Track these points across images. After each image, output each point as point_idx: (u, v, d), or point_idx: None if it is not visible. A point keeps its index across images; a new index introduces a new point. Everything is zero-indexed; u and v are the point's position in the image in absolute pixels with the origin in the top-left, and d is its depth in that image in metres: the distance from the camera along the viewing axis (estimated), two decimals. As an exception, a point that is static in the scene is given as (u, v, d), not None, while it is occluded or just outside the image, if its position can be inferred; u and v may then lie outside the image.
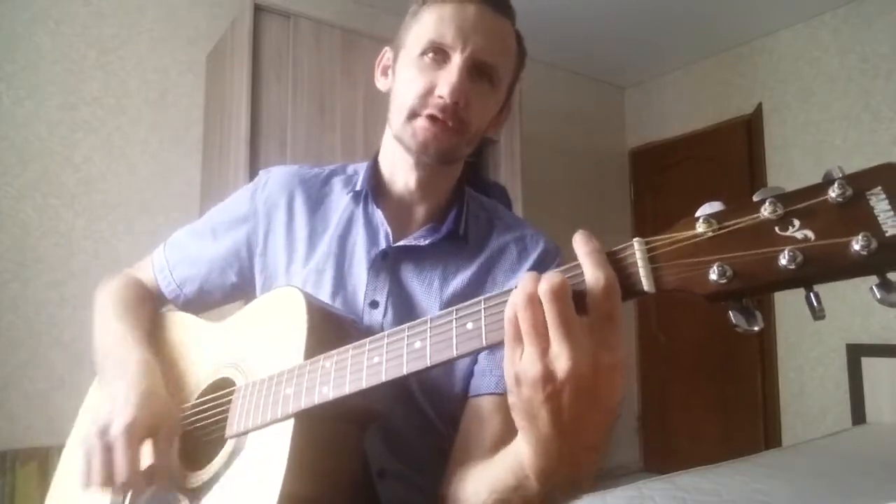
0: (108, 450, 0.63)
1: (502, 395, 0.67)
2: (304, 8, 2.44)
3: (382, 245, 0.78)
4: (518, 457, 0.52)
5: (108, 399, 0.67)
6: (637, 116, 4.18)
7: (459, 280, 0.77)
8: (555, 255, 0.81)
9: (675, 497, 1.70)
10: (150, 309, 0.86)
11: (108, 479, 0.63)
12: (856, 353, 2.91)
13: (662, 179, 3.95)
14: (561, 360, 0.44)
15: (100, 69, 2.38)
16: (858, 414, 2.87)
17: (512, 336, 0.46)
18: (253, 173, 2.11)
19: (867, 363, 2.86)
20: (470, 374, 0.73)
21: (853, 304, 2.88)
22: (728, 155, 3.55)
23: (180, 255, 0.88)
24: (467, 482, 0.62)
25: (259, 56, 2.25)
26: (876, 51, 3.00)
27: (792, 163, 3.28)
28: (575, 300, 0.45)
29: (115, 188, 2.37)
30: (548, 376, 0.44)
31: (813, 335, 3.11)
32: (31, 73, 2.24)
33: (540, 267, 0.78)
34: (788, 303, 3.15)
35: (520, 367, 0.46)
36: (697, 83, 3.81)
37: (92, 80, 2.36)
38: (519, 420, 0.49)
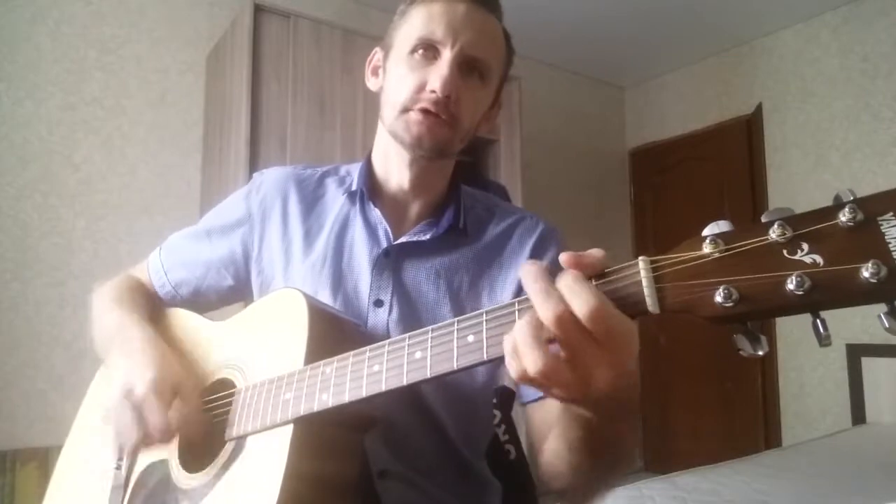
0: (137, 408, 0.64)
1: None
2: (304, 8, 2.43)
3: (383, 243, 0.78)
4: (572, 410, 0.52)
5: (123, 369, 0.68)
6: (637, 116, 4.18)
7: (465, 271, 0.78)
8: (554, 235, 0.83)
9: (675, 497, 1.70)
10: (147, 299, 0.87)
11: (143, 435, 0.64)
12: (856, 353, 2.91)
13: (662, 179, 3.94)
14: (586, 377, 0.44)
15: (100, 69, 2.38)
16: (858, 414, 2.87)
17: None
18: (253, 173, 2.11)
19: (867, 363, 2.86)
20: (487, 372, 0.75)
21: (853, 304, 2.88)
22: (728, 155, 3.55)
23: (176, 258, 0.88)
24: (548, 454, 0.64)
25: (259, 56, 2.25)
26: (876, 51, 3.00)
27: (792, 163, 3.28)
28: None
29: (115, 188, 2.37)
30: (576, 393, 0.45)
31: (813, 335, 3.10)
32: (31, 73, 2.24)
33: (542, 246, 0.80)
34: (788, 303, 3.14)
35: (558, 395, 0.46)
36: (697, 83, 3.80)
37: (92, 80, 2.36)
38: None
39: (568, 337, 0.42)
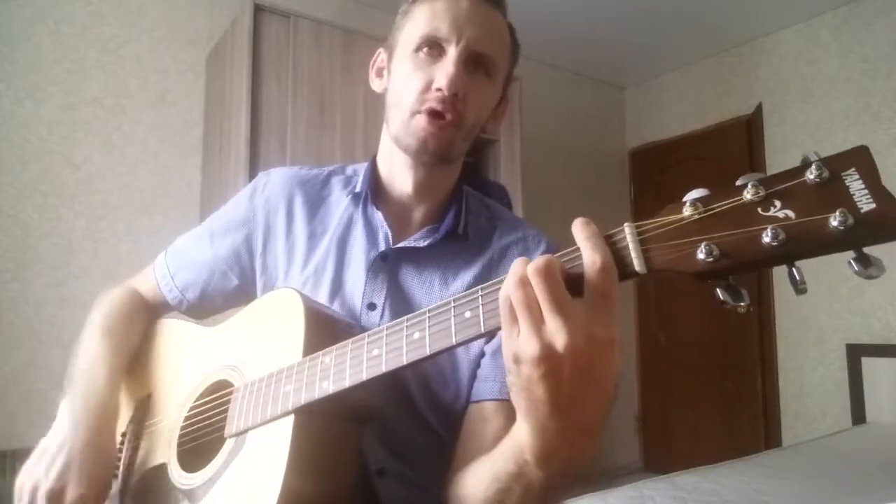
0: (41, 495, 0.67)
1: (504, 401, 0.67)
2: (304, 8, 2.43)
3: (382, 247, 0.77)
4: (518, 442, 0.53)
5: (49, 445, 0.72)
6: (637, 116, 4.18)
7: (460, 282, 0.76)
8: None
9: (675, 497, 1.70)
10: (141, 323, 0.86)
11: None
12: (856, 353, 2.91)
13: (662, 179, 3.95)
14: (557, 335, 0.45)
15: (100, 69, 2.38)
16: (858, 414, 2.87)
17: (508, 317, 0.47)
18: (253, 173, 2.11)
19: (867, 363, 2.86)
20: (471, 378, 0.73)
21: (853, 305, 2.88)
22: (728, 155, 3.55)
23: (182, 260, 0.87)
24: (468, 476, 0.62)
25: (259, 56, 2.25)
26: (876, 51, 3.00)
27: (792, 163, 3.22)
28: (573, 281, 0.46)
29: (115, 188, 2.37)
30: (545, 352, 0.45)
31: (813, 335, 3.11)
32: (31, 73, 2.24)
33: None
34: (789, 303, 3.15)
35: (517, 345, 0.46)
36: (697, 83, 3.81)
37: (92, 80, 2.36)
38: (518, 400, 0.50)
39: (595, 286, 0.46)
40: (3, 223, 2.16)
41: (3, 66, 2.20)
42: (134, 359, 0.83)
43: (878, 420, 2.79)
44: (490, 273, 0.78)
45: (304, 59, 2.34)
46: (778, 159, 3.35)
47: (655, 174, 4.00)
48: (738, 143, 3.51)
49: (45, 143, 2.25)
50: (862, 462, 2.07)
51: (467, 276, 0.77)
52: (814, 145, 3.17)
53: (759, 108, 3.42)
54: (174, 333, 0.84)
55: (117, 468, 0.74)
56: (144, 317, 0.87)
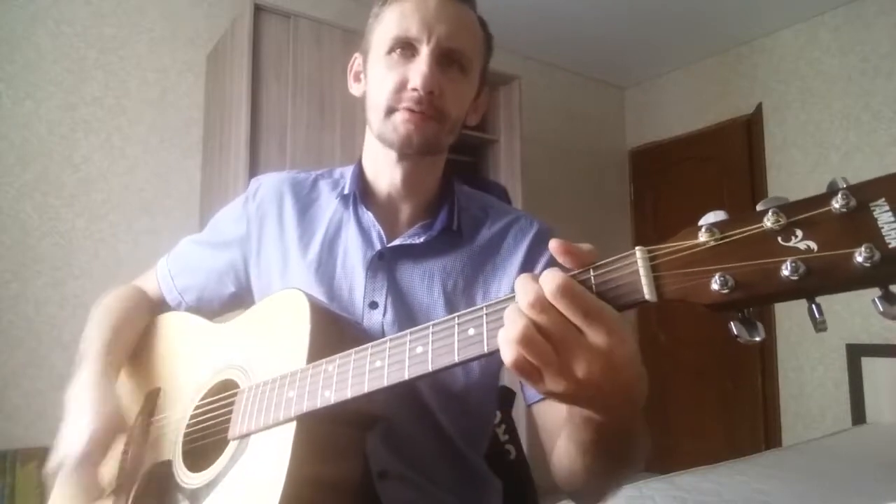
0: (71, 479, 0.69)
1: None
2: (304, 8, 2.44)
3: (377, 246, 0.78)
4: (586, 420, 0.54)
5: (66, 426, 0.75)
6: (637, 116, 4.18)
7: (459, 273, 0.78)
8: (549, 235, 0.82)
9: (675, 497, 1.70)
10: (141, 318, 0.88)
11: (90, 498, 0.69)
12: (856, 353, 2.91)
13: (662, 179, 3.95)
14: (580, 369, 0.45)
15: (100, 69, 2.38)
16: (858, 414, 2.87)
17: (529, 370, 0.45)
18: (253, 173, 2.11)
19: (867, 363, 2.86)
20: (482, 371, 0.75)
21: (853, 305, 2.88)
22: (728, 155, 3.55)
23: (182, 264, 0.90)
24: (561, 452, 0.64)
25: (259, 56, 2.25)
26: (876, 51, 3.00)
27: (792, 163, 3.28)
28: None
29: (115, 188, 2.37)
30: (574, 389, 0.45)
31: (813, 335, 3.10)
32: (31, 73, 2.24)
33: (536, 247, 0.80)
34: (788, 303, 3.14)
35: (546, 389, 0.46)
36: (697, 83, 3.81)
37: (92, 80, 2.36)
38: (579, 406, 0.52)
39: (544, 320, 0.43)
40: (3, 223, 2.16)
41: (3, 66, 2.20)
42: (141, 348, 0.85)
43: (878, 420, 2.79)
44: (485, 260, 0.79)
45: (304, 59, 2.34)
46: (778, 159, 3.35)
47: (655, 174, 4.00)
48: (738, 143, 3.51)
49: (45, 143, 2.25)
50: (862, 462, 2.07)
51: (465, 266, 0.78)
52: (814, 145, 3.17)
53: (759, 108, 3.42)
54: (183, 327, 0.85)
55: (125, 461, 0.74)
56: (144, 313, 0.89)
